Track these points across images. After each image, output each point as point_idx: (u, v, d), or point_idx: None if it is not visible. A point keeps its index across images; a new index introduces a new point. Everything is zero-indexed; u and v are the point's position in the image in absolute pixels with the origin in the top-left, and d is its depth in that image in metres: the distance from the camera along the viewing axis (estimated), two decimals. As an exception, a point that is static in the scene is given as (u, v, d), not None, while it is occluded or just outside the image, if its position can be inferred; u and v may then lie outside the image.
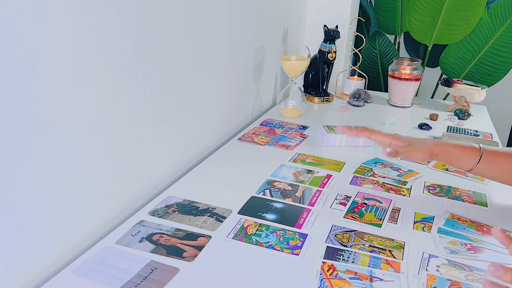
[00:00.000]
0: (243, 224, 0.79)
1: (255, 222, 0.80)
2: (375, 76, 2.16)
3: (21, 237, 0.61)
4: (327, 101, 1.62)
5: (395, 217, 0.84)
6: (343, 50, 1.84)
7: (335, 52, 1.54)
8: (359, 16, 2.10)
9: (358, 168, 1.05)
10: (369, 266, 0.68)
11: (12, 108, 0.55)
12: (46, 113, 0.61)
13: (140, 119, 0.83)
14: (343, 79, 1.81)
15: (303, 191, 0.92)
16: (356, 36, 1.80)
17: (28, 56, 0.56)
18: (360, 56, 1.80)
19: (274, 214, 0.83)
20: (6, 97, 0.54)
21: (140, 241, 0.73)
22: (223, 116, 1.20)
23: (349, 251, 0.72)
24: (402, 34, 2.18)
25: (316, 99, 1.61)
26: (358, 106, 1.59)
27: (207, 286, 0.63)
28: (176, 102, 0.95)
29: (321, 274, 0.66)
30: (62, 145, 0.65)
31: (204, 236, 0.75)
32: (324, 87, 1.64)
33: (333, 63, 1.58)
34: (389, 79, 1.62)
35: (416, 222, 0.82)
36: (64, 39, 0.61)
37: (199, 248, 0.72)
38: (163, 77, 0.88)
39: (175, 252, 0.70)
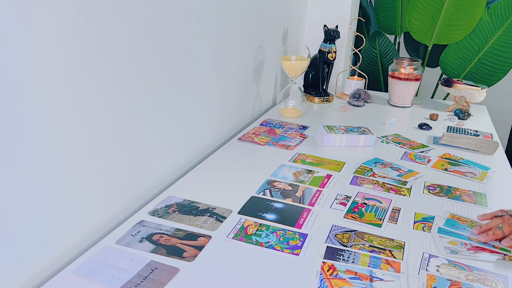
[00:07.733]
0: (243, 224, 0.79)
1: (255, 222, 0.80)
2: (375, 76, 2.16)
3: (21, 236, 0.61)
4: (327, 101, 1.62)
5: (395, 217, 0.84)
6: (343, 50, 1.84)
7: (335, 52, 1.54)
8: (359, 16, 2.09)
9: (358, 168, 1.05)
10: (369, 266, 0.68)
11: (12, 109, 0.55)
12: (47, 113, 0.61)
13: (140, 119, 0.83)
14: (343, 79, 1.80)
15: (303, 191, 0.92)
16: (356, 36, 1.80)
17: (28, 56, 0.56)
18: (360, 56, 1.80)
19: (274, 214, 0.83)
20: (6, 98, 0.54)
21: (140, 241, 0.73)
22: (223, 116, 1.20)
23: (349, 251, 0.72)
24: (402, 34, 2.18)
25: (316, 99, 1.61)
26: (358, 106, 1.59)
27: (207, 286, 0.63)
28: (176, 102, 0.95)
29: (321, 274, 0.66)
30: (62, 145, 0.65)
31: (204, 236, 0.75)
32: (324, 87, 1.64)
33: (333, 63, 1.58)
34: (389, 79, 1.62)
35: (416, 222, 0.82)
36: (64, 39, 0.61)
37: (199, 248, 0.72)
38: (163, 77, 0.88)
39: (175, 252, 0.70)
